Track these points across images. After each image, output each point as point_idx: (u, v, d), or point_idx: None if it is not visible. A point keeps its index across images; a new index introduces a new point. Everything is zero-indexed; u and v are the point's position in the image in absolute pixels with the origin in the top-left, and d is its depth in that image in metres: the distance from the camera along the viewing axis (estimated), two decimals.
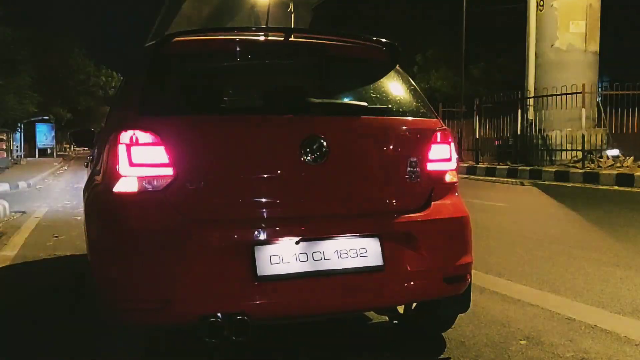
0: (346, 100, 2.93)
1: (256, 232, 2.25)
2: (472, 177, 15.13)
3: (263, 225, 2.28)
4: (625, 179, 11.26)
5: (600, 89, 16.12)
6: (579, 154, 14.01)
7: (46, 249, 5.66)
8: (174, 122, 2.36)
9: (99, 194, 2.57)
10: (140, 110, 2.40)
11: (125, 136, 2.27)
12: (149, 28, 63.37)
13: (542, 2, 15.54)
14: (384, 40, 2.92)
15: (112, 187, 2.30)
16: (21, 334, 3.15)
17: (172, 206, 2.23)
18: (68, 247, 5.75)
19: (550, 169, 13.46)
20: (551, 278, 4.07)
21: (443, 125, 2.83)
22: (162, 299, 2.17)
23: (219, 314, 2.14)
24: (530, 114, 15.88)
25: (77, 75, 28.78)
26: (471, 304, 2.89)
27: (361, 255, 2.34)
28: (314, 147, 2.35)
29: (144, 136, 2.25)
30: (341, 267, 2.31)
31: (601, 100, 15.11)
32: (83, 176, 11.97)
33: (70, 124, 52.43)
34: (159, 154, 2.24)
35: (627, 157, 13.27)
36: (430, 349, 2.82)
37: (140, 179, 2.25)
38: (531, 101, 15.97)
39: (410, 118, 2.77)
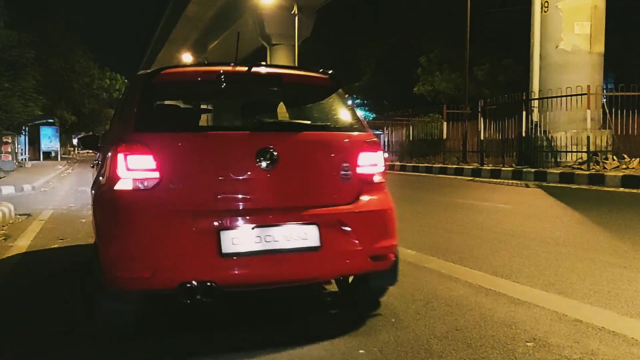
0: (294, 118, 3.97)
1: (221, 220, 2.93)
2: (477, 179, 15.09)
3: (227, 215, 2.96)
4: (631, 181, 11.21)
5: (605, 90, 16.06)
6: (584, 155, 13.96)
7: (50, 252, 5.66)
8: (160, 137, 3.07)
9: (103, 191, 3.21)
10: (134, 127, 3.11)
11: (123, 148, 2.98)
12: (152, 30, 63.59)
13: (546, 3, 15.50)
14: (328, 71, 3.72)
15: (114, 186, 3.00)
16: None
17: (158, 200, 2.93)
18: (72, 248, 5.76)
19: (555, 171, 13.41)
20: (557, 280, 4.04)
21: (373, 137, 3.55)
22: (150, 270, 2.83)
23: (193, 282, 2.81)
24: (535, 116, 15.83)
25: (81, 78, 28.79)
26: (477, 306, 3.21)
27: (303, 238, 3.01)
28: (266, 156, 3.05)
29: (137, 148, 2.96)
30: (287, 247, 2.97)
31: (606, 101, 15.05)
32: (87, 179, 12.17)
33: (74, 126, 52.55)
34: (148, 161, 2.94)
35: (633, 159, 13.22)
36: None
37: (135, 180, 2.94)
38: (536, 103, 15.92)
39: (344, 132, 3.51)
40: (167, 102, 3.89)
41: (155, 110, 3.50)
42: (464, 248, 5.27)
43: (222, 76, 3.41)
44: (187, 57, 51.92)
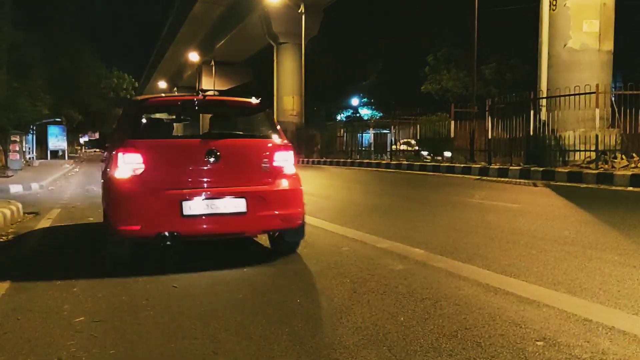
0: (233, 129, 5.91)
1: (182, 195, 4.54)
2: (484, 178, 15.03)
3: (186, 191, 4.58)
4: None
5: (614, 89, 15.95)
6: (593, 154, 13.88)
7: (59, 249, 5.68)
8: (145, 142, 4.80)
9: (109, 176, 4.92)
10: (129, 135, 4.88)
11: (121, 149, 4.66)
12: (160, 29, 63.74)
13: (555, 1, 15.41)
14: (258, 98, 5.47)
15: (115, 173, 4.68)
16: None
17: (143, 182, 4.58)
18: (81, 247, 5.77)
19: (563, 170, 13.34)
20: (567, 279, 4.01)
21: (286, 142, 5.18)
22: (139, 224, 4.47)
23: (165, 232, 4.46)
24: (543, 115, 15.73)
25: (88, 78, 28.86)
26: (486, 305, 3.29)
27: (235, 206, 4.61)
28: (212, 154, 4.70)
29: (130, 150, 4.64)
30: (225, 212, 4.59)
31: (615, 100, 14.94)
32: (94, 178, 12.43)
33: (81, 125, 52.70)
34: (137, 158, 4.61)
35: None
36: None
37: (128, 169, 4.60)
38: (544, 101, 15.83)
39: (266, 139, 5.20)
40: (151, 116, 5.87)
41: (143, 124, 5.32)
42: (473, 247, 5.25)
43: (180, 103, 5.99)
44: (194, 56, 52.00)
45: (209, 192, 4.65)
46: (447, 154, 17.31)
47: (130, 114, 5.37)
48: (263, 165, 4.91)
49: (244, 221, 4.69)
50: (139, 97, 5.47)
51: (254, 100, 5.41)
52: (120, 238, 4.62)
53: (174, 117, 6.75)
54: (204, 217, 4.57)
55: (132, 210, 4.55)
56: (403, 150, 24.86)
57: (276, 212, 4.77)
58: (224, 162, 4.73)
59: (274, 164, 4.94)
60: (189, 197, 4.53)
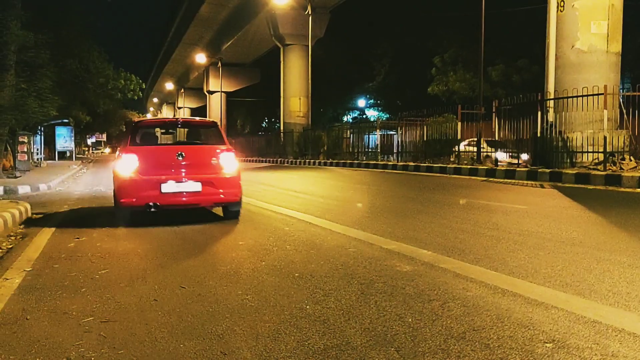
0: (195, 139, 8.63)
1: (161, 180, 7.07)
2: (491, 179, 14.99)
3: (164, 177, 7.09)
4: None
5: (622, 90, 15.88)
6: (601, 156, 13.83)
7: (67, 250, 5.71)
8: (139, 148, 7.51)
9: (116, 170, 7.37)
10: (130, 144, 7.55)
11: (124, 152, 7.41)
12: (167, 31, 63.89)
13: (562, 2, 15.37)
14: (212, 120, 8.98)
15: (119, 166, 7.33)
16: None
17: (137, 173, 7.15)
18: (89, 248, 5.79)
19: (570, 172, 13.29)
20: (575, 280, 4.00)
21: (230, 147, 7.75)
22: (134, 198, 7.07)
23: (150, 203, 7.03)
24: (551, 116, 15.69)
25: (96, 79, 28.89)
26: (494, 306, 3.32)
27: (194, 187, 7.18)
28: (180, 155, 7.29)
29: (129, 152, 7.35)
30: (188, 190, 7.19)
31: (623, 101, 14.88)
32: (102, 179, 12.80)
33: (89, 126, 52.87)
34: (133, 157, 7.24)
35: None
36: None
37: (127, 164, 7.21)
38: (551, 103, 15.79)
39: (216, 145, 7.80)
40: (144, 131, 8.18)
41: (138, 136, 7.84)
42: (480, 248, 5.24)
43: (165, 122, 9.70)
44: (201, 58, 52.07)
45: (177, 178, 7.18)
46: (524, 156, 16.29)
47: (131, 129, 8.04)
48: (212, 162, 7.53)
49: (200, 196, 7.32)
50: (137, 119, 9.76)
51: (209, 120, 9.15)
52: (123, 207, 7.28)
53: (163, 130, 10.11)
54: (174, 194, 7.17)
55: (130, 189, 7.16)
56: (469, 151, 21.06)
57: (221, 191, 7.35)
58: (187, 159, 7.33)
59: (220, 161, 7.55)
60: (165, 181, 7.12)
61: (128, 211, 7.34)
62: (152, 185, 7.05)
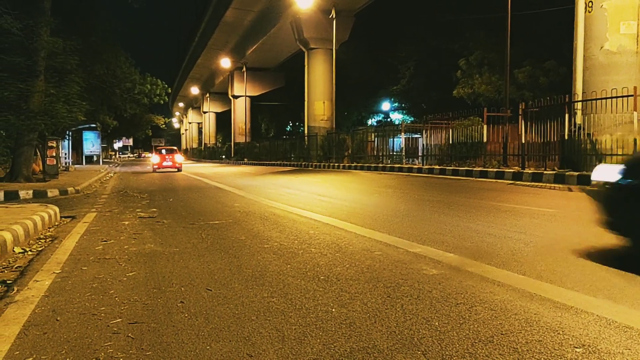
0: (171, 151, 33.93)
1: (158, 166, 31.49)
2: (517, 182, 14.84)
3: (160, 166, 31.56)
4: None
5: None
6: None
7: (95, 253, 5.78)
8: (156, 152, 33.41)
9: (151, 159, 36.31)
10: (154, 151, 35.02)
11: (154, 153, 35.24)
12: (192, 36, 64.53)
13: (590, 3, 15.16)
14: (175, 147, 37.88)
15: (152, 159, 34.02)
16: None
17: (155, 163, 31.92)
18: (116, 250, 5.86)
19: None
20: (605, 285, 3.93)
21: (180, 152, 35.25)
22: (155, 167, 31.80)
23: (157, 169, 31.53)
24: (579, 118, 15.47)
25: (123, 84, 29.30)
26: (522, 310, 3.26)
27: (172, 169, 31.56)
28: (170, 154, 31.96)
29: (155, 154, 33.74)
30: (170, 169, 31.42)
31: None
32: (129, 183, 13.49)
33: (115, 131, 53.58)
34: (157, 156, 32.32)
35: None
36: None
37: (154, 159, 32.57)
38: (579, 105, 15.56)
39: (179, 151, 34.47)
40: (158, 147, 37.45)
41: (156, 150, 33.92)
42: (507, 252, 5.18)
43: (164, 147, 35.34)
44: (225, 62, 52.48)
45: (167, 163, 30.93)
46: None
47: (155, 148, 33.25)
48: (176, 158, 31.58)
49: (171, 167, 31.17)
50: (158, 146, 42.51)
51: (174, 147, 35.41)
52: (153, 170, 31.14)
53: (163, 148, 33.15)
54: (165, 166, 31.04)
55: (155, 164, 31.45)
56: None
57: (177, 166, 31.36)
58: (171, 158, 31.03)
59: (176, 159, 31.58)
60: (159, 168, 30.89)
61: (154, 170, 30.74)
62: (159, 165, 30.78)
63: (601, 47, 15.09)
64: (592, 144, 14.95)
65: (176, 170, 30.79)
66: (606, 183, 4.89)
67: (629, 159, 7.32)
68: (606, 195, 4.95)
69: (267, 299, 3.81)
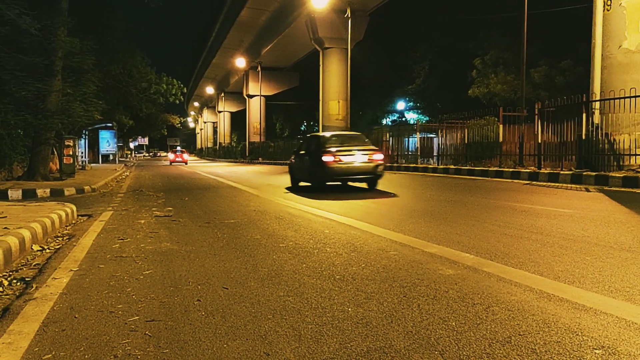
0: (181, 150, 59.94)
1: (175, 160, 51.72)
2: (534, 182, 14.73)
3: (175, 160, 52.29)
4: None
5: None
6: None
7: (112, 251, 5.82)
8: (171, 151, 61.75)
9: (168, 155, 62.52)
10: (169, 150, 70.67)
11: (170, 152, 61.19)
12: (207, 36, 64.76)
13: (609, 1, 15.00)
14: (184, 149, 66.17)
15: (169, 155, 57.79)
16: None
17: (171, 156, 53.66)
18: (133, 249, 5.90)
19: (617, 175, 12.95)
20: (625, 286, 3.89)
21: (186, 151, 58.99)
22: (170, 162, 52.37)
23: (172, 163, 52.44)
24: (596, 118, 15.32)
25: (139, 83, 29.50)
26: (540, 311, 3.23)
27: (182, 162, 50.69)
28: (179, 153, 52.88)
29: (170, 152, 60.07)
30: (180, 160, 51.73)
31: None
32: (144, 182, 13.68)
33: (131, 130, 54.02)
34: (171, 153, 55.58)
35: None
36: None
37: (171, 155, 54.63)
38: (597, 104, 15.41)
39: (185, 150, 60.50)
40: (174, 148, 67.18)
41: (172, 147, 64.33)
42: (524, 252, 5.14)
43: (176, 149, 60.41)
44: (240, 62, 52.61)
45: (178, 159, 50.77)
46: None
47: (170, 148, 57.92)
48: (183, 155, 52.93)
49: (182, 162, 50.38)
50: (172, 146, 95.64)
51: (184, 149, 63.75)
52: (170, 163, 49.66)
53: (175, 148, 60.28)
54: (177, 162, 50.13)
55: (171, 159, 51.55)
56: None
57: (185, 161, 51.60)
58: (181, 155, 51.37)
59: (184, 155, 53.33)
60: (176, 160, 50.58)
61: (171, 163, 50.79)
62: (174, 159, 50.24)
63: (620, 46, 14.94)
64: (610, 143, 14.81)
65: (184, 164, 49.02)
66: None
67: None
68: None
69: (283, 297, 3.82)
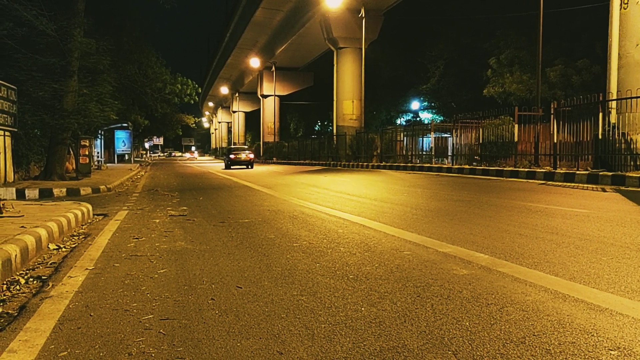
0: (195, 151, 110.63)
1: (192, 158, 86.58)
2: (549, 182, 14.62)
3: (190, 157, 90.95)
4: None
5: None
6: None
7: (127, 250, 5.86)
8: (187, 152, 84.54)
9: (183, 156, 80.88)
10: (183, 151, 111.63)
11: (189, 153, 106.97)
12: (222, 36, 65.03)
13: (626, 0, 14.85)
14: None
15: (187, 155, 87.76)
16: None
17: (186, 159, 78.83)
18: (148, 248, 5.94)
19: (634, 175, 12.82)
20: None
21: (195, 151, 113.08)
22: (186, 159, 75.52)
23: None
24: (613, 117, 15.17)
25: (154, 84, 29.71)
26: (554, 311, 3.20)
27: (194, 160, 77.90)
28: (193, 152, 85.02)
29: (188, 153, 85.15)
30: (192, 160, 68.76)
31: None
32: (160, 182, 14.02)
33: (146, 130, 54.29)
34: (187, 154, 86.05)
35: None
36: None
37: (188, 155, 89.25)
38: (613, 104, 15.27)
39: (196, 150, 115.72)
40: (187, 146, 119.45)
41: (187, 150, 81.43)
42: (539, 252, 5.11)
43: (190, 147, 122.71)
44: (255, 62, 52.78)
45: (191, 157, 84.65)
46: None
47: (185, 145, 78.63)
48: (195, 154, 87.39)
49: (195, 160, 72.49)
50: (187, 145, 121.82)
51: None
52: (187, 158, 76.34)
53: (193, 149, 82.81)
54: (191, 160, 68.88)
55: (186, 159, 52.40)
56: None
57: (195, 159, 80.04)
58: (192, 154, 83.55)
59: (194, 154, 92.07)
60: (189, 157, 75.58)
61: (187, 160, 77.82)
62: (188, 158, 74.84)
63: (637, 45, 14.79)
64: (627, 143, 14.66)
65: (196, 160, 58.81)
66: None
67: None
68: None
69: (296, 297, 3.82)
